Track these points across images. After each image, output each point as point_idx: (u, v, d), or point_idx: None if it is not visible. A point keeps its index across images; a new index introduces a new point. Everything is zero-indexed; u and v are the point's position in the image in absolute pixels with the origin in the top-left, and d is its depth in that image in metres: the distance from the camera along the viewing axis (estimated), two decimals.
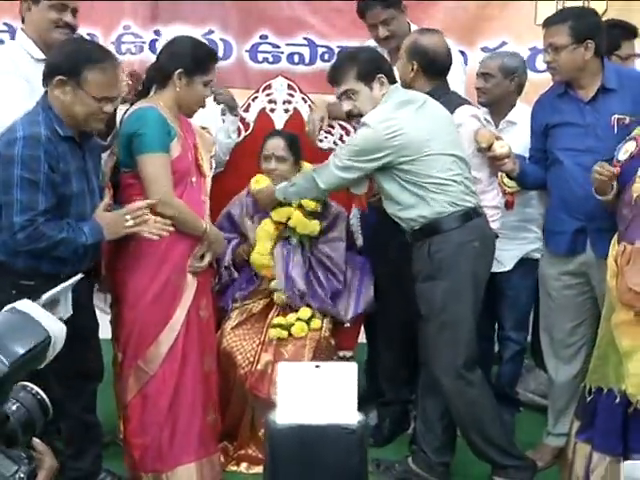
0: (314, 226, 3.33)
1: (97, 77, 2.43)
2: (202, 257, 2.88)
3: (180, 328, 2.82)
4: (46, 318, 1.19)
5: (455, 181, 2.88)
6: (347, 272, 3.38)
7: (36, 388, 1.27)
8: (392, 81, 2.96)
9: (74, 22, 2.96)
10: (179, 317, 2.82)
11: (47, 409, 1.27)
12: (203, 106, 2.92)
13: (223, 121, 3.50)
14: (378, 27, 3.49)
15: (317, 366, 1.96)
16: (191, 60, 2.80)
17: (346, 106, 2.93)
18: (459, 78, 3.57)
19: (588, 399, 2.70)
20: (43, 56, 2.84)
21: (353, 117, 2.97)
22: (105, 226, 2.55)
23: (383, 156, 2.81)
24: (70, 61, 2.42)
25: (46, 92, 2.49)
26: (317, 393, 1.93)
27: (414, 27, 3.56)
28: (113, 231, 2.58)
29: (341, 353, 3.35)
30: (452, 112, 3.05)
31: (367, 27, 3.56)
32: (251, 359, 3.15)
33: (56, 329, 1.20)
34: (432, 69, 3.10)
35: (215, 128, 3.40)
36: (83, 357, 2.69)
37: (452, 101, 3.12)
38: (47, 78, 2.47)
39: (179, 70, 2.77)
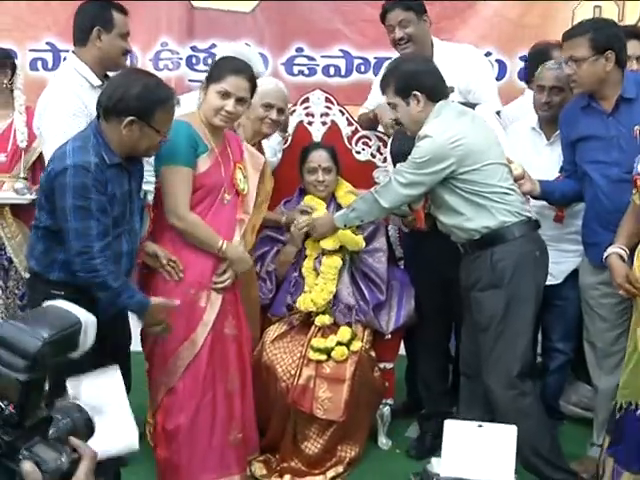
0: (360, 241, 3.44)
1: (165, 115, 2.58)
2: (223, 273, 2.94)
3: (202, 344, 2.88)
4: (75, 308, 1.30)
5: (514, 190, 2.99)
6: (389, 284, 3.45)
7: (86, 410, 1.33)
8: (437, 94, 2.98)
9: (130, 47, 3.27)
10: (201, 333, 2.88)
11: (92, 430, 1.33)
12: (224, 120, 2.87)
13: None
14: (395, 29, 3.57)
15: (480, 426, 2.31)
16: (211, 69, 2.93)
17: (392, 115, 3.07)
18: (495, 91, 3.66)
19: (618, 415, 2.69)
20: (100, 82, 3.05)
21: (397, 124, 3.10)
22: (151, 310, 2.68)
23: (447, 166, 2.87)
24: (143, 104, 2.53)
25: (98, 117, 2.61)
26: (478, 450, 2.21)
27: (437, 41, 3.64)
28: (149, 320, 2.72)
29: (382, 365, 3.45)
30: None
31: (387, 32, 3.63)
32: (292, 372, 3.22)
33: (86, 317, 1.29)
34: None
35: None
36: None
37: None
38: (112, 114, 2.56)
39: (202, 81, 2.92)
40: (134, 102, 2.52)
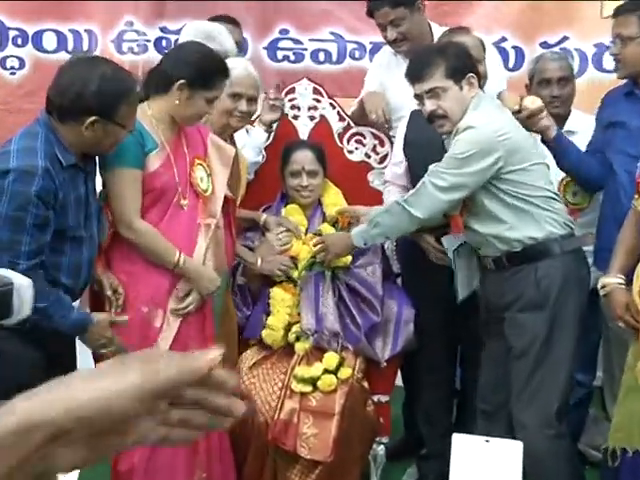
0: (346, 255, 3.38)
1: (130, 108, 2.59)
2: (186, 296, 2.90)
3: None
4: (8, 272, 1.34)
5: (560, 197, 3.01)
6: (384, 304, 3.43)
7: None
8: (480, 80, 3.01)
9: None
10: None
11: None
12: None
13: (247, 131, 3.57)
14: (387, 28, 3.61)
15: (487, 441, 2.43)
16: (196, 72, 2.86)
17: (429, 106, 2.95)
18: (501, 82, 3.69)
19: (610, 462, 2.65)
20: None
21: (435, 119, 2.98)
22: (93, 329, 2.69)
23: (494, 162, 2.83)
24: (104, 100, 2.52)
25: (48, 112, 2.57)
26: (485, 465, 2.42)
27: (437, 29, 3.67)
28: (93, 341, 2.74)
29: (376, 398, 3.42)
30: None
31: (378, 28, 3.68)
32: (272, 404, 3.19)
33: (21, 280, 1.38)
34: None
35: (240, 141, 3.46)
36: None
37: None
38: (68, 116, 2.53)
39: (181, 81, 2.83)
40: (94, 100, 2.50)
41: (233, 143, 3.33)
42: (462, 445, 2.44)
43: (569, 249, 2.93)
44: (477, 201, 2.95)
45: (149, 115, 2.85)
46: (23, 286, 1.35)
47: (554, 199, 2.94)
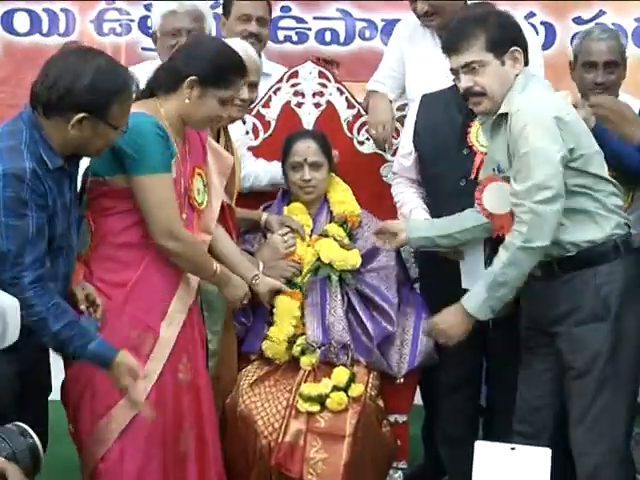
0: (355, 257, 3.35)
1: (123, 107, 2.56)
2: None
3: (145, 400, 2.78)
4: None
5: (619, 190, 2.91)
6: (400, 313, 3.40)
7: (33, 435, 1.52)
8: (527, 58, 2.90)
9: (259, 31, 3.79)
10: (141, 387, 2.77)
11: (38, 458, 1.52)
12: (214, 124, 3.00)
13: (243, 122, 3.55)
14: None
15: (512, 448, 2.45)
16: (209, 67, 2.84)
17: (465, 82, 2.85)
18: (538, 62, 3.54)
19: None
20: None
21: (471, 97, 2.88)
22: (116, 369, 2.62)
23: (564, 144, 2.73)
24: (96, 96, 2.48)
25: (33, 108, 2.52)
26: (511, 475, 2.42)
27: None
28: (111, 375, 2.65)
29: (392, 417, 3.38)
30: None
31: None
32: (276, 426, 3.15)
33: (6, 301, 1.45)
34: None
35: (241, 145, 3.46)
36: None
37: None
38: (55, 111, 2.50)
39: (192, 77, 2.80)
40: (85, 95, 2.46)
41: (227, 135, 3.31)
42: (485, 453, 2.46)
43: (628, 252, 2.85)
44: None
45: (164, 117, 2.82)
46: (8, 307, 1.32)
47: (615, 195, 2.85)
